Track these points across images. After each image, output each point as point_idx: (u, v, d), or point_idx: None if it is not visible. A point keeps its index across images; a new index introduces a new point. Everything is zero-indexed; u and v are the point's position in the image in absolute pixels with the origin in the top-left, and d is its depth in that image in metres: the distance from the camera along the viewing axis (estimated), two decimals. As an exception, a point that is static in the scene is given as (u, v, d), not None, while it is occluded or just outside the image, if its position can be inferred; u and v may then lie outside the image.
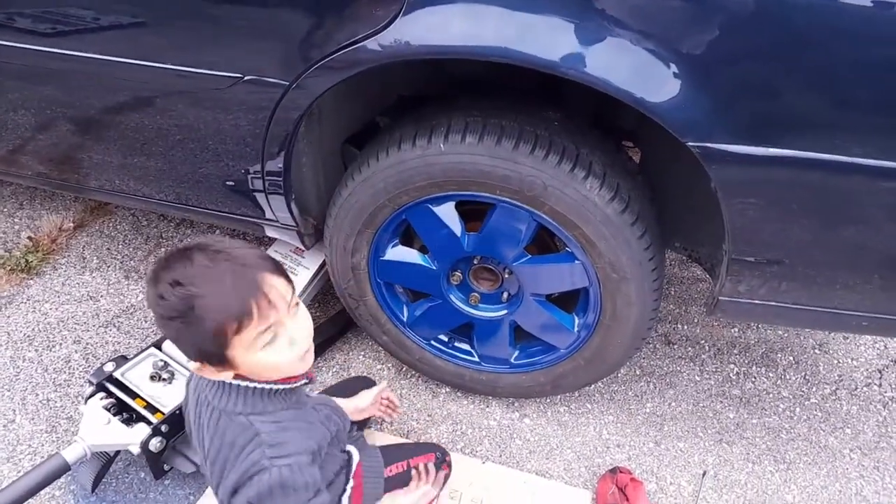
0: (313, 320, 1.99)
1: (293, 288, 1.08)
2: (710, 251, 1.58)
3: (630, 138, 1.71)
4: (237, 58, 1.36)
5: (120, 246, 2.35)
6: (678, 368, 1.96)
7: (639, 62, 1.13)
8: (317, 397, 1.31)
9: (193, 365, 1.08)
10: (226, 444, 1.09)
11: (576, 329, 1.58)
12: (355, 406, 1.52)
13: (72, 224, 2.42)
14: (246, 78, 1.37)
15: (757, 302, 1.40)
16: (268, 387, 1.12)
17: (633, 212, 1.37)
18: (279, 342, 1.05)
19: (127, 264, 2.27)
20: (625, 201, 1.36)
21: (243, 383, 1.10)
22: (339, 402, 1.43)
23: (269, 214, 1.67)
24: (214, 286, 0.98)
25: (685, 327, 2.08)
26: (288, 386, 1.15)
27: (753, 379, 1.94)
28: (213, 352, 1.02)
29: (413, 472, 1.43)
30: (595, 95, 1.20)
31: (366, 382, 1.68)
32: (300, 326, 1.09)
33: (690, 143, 1.17)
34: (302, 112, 1.39)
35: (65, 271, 2.24)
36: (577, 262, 1.45)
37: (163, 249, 2.33)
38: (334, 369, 1.94)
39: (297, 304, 1.10)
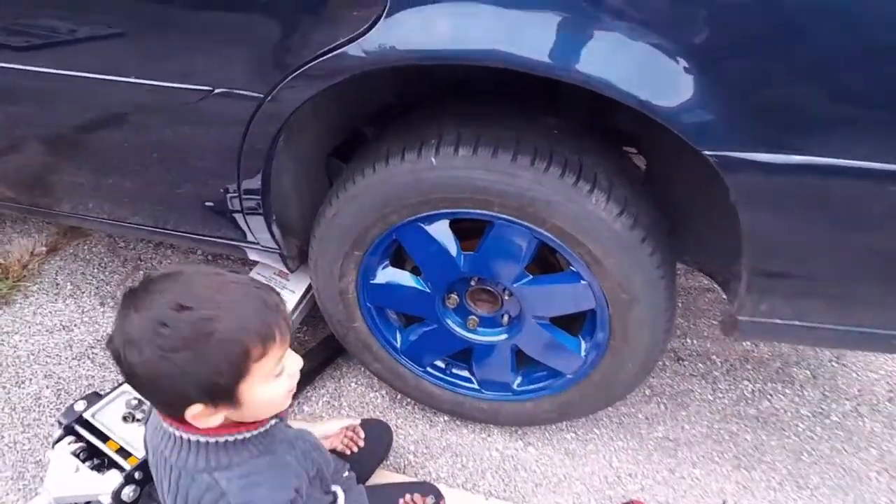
0: (302, 345, 1.92)
1: None
2: (723, 264, 1.46)
3: (632, 143, 1.60)
4: (205, 69, 1.25)
5: (95, 270, 2.22)
6: (689, 387, 1.85)
7: (646, 61, 1.02)
8: (295, 431, 1.18)
9: (158, 420, 0.95)
10: None
11: (583, 353, 1.46)
12: (323, 432, 1.40)
13: (44, 248, 2.30)
14: (216, 91, 1.26)
15: (779, 322, 1.29)
16: (237, 436, 0.99)
17: (642, 227, 1.25)
18: (285, 373, 0.97)
19: (103, 290, 2.15)
20: (633, 216, 1.24)
21: (203, 439, 0.97)
22: (307, 426, 1.32)
23: (250, 237, 1.55)
24: (234, 306, 0.88)
25: (695, 342, 1.97)
26: (259, 430, 1.02)
27: (769, 396, 1.83)
28: (223, 386, 0.89)
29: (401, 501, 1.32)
30: (593, 97, 1.09)
31: (379, 426, 1.56)
32: (295, 357, 1.00)
33: (707, 152, 1.06)
34: (279, 126, 1.27)
35: (36, 299, 2.11)
36: (582, 282, 1.33)
37: (141, 272, 2.20)
38: (325, 398, 1.82)
39: None
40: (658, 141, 1.37)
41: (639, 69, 1.03)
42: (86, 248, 2.31)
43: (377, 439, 1.54)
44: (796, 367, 1.90)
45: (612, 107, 1.13)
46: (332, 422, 1.46)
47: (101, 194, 1.67)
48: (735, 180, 1.08)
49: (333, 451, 1.43)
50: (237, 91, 1.24)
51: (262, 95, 1.23)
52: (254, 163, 1.35)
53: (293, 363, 0.99)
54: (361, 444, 1.48)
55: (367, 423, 1.55)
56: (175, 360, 0.86)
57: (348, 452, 1.46)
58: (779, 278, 1.22)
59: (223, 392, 0.91)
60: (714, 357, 1.93)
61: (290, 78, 1.19)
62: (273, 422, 1.06)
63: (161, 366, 0.86)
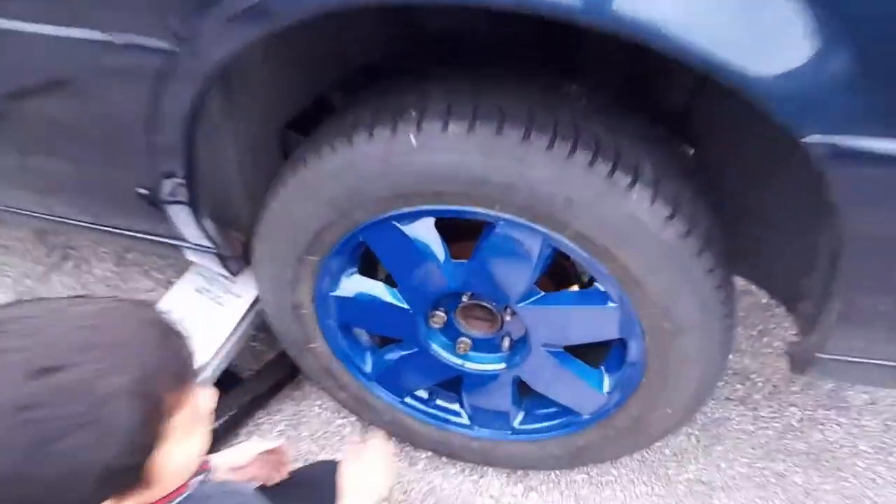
0: (257, 358, 1.59)
1: None
2: (789, 281, 1.13)
3: (675, 120, 1.25)
4: (101, 13, 0.90)
5: (16, 259, 1.87)
6: (726, 415, 1.53)
7: (731, 9, 0.68)
8: (218, 485, 0.87)
9: None
10: None
11: (606, 391, 1.14)
12: (231, 463, 1.06)
13: (-40, 233, 1.95)
14: (116, 42, 0.91)
15: (872, 362, 0.97)
16: None
17: (699, 235, 0.92)
18: (203, 417, 0.73)
19: (21, 283, 1.80)
20: (687, 219, 0.91)
21: None
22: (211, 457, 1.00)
23: (175, 232, 1.21)
24: (125, 345, 0.62)
25: (731, 357, 1.64)
26: (179, 499, 0.74)
27: (821, 427, 1.51)
28: (135, 465, 0.62)
29: None
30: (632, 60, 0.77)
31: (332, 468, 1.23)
32: (210, 392, 0.74)
33: (810, 138, 0.72)
34: (202, 88, 0.93)
35: (-58, 295, 1.78)
36: (611, 304, 1.00)
37: (69, 263, 1.86)
38: (281, 426, 1.49)
39: None
40: (716, 116, 1.03)
41: (724, 23, 0.70)
42: (8, 233, 1.95)
43: (334, 490, 1.22)
44: (851, 389, 1.59)
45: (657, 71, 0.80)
46: (244, 446, 1.12)
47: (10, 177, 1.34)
48: (842, 176, 0.75)
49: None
50: (141, 42, 0.89)
51: (174, 48, 0.88)
52: (172, 136, 1.00)
53: (208, 401, 0.73)
54: (289, 467, 1.15)
55: (321, 467, 1.23)
56: (62, 452, 0.57)
57: (269, 484, 1.13)
58: (885, 309, 0.89)
59: (135, 472, 0.63)
60: (754, 376, 1.61)
61: (212, 24, 0.84)
62: (195, 482, 0.75)
63: (42, 468, 0.57)
